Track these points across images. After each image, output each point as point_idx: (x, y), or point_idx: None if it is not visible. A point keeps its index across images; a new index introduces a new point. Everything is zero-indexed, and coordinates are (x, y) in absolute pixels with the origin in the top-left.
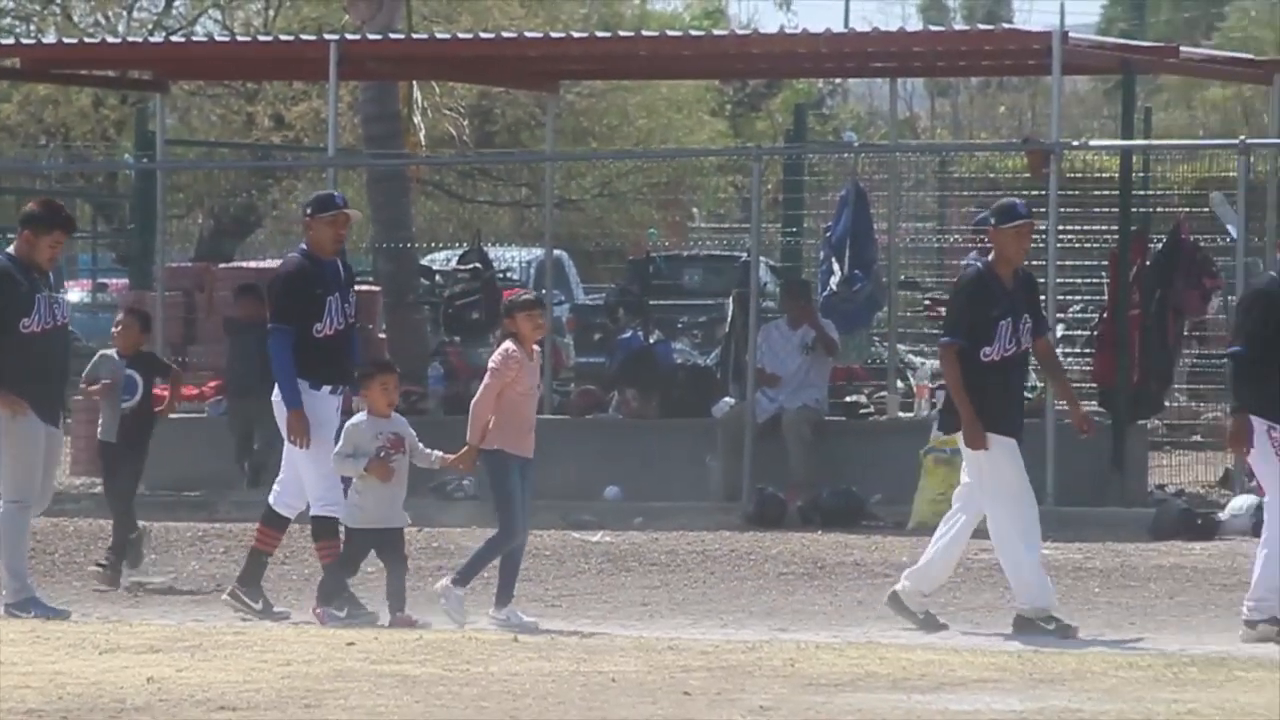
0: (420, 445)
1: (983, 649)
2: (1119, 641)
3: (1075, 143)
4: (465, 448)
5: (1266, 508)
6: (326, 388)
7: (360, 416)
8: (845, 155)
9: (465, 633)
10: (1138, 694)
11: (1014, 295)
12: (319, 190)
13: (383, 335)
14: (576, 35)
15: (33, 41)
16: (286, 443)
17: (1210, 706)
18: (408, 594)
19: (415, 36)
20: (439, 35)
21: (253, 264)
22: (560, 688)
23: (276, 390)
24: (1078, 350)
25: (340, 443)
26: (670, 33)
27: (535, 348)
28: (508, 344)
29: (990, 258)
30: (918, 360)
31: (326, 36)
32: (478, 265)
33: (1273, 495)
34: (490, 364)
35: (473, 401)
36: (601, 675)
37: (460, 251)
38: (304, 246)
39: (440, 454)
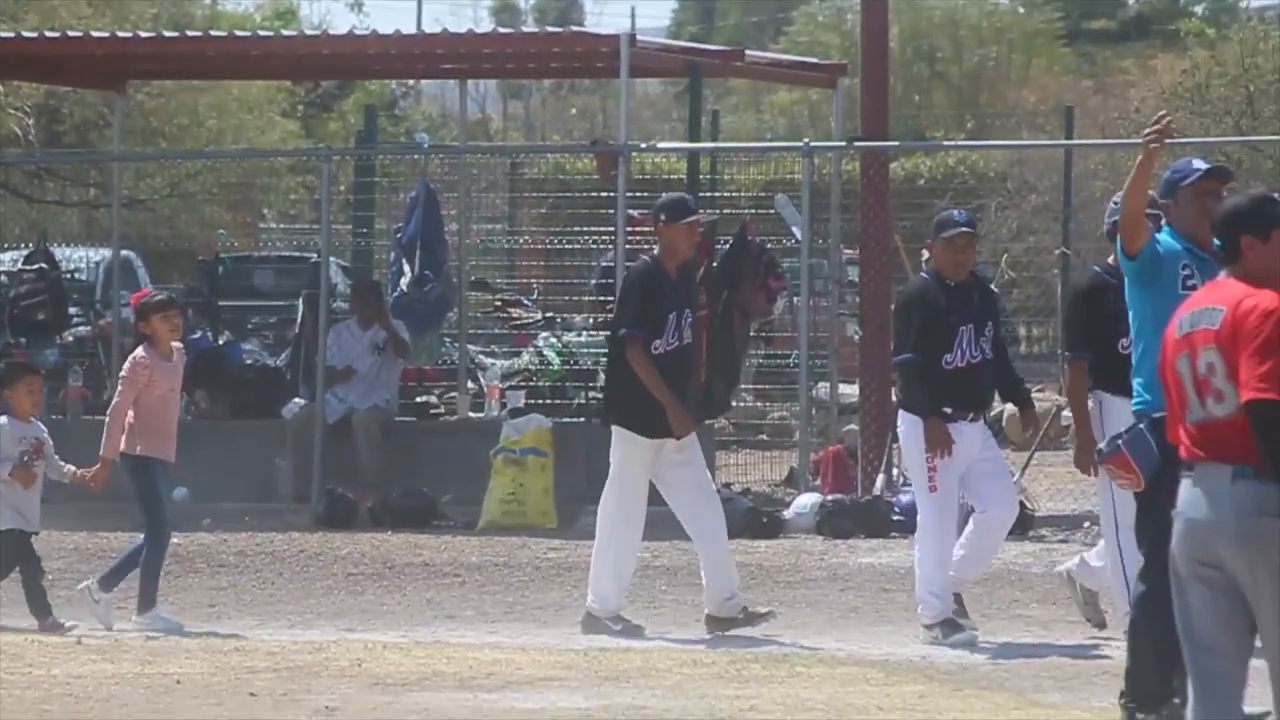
0: (55, 456)
1: (550, 647)
2: (685, 639)
3: (644, 145)
4: (99, 464)
5: (920, 513)
6: None
7: (4, 419)
8: (416, 156)
9: (28, 636)
10: (702, 691)
11: (679, 289)
12: None
13: None
14: (144, 35)
15: None
16: None
17: (772, 702)
18: None
19: None
20: (3, 34)
21: None
22: (124, 690)
23: None
24: None
25: None
26: (239, 33)
27: (176, 345)
28: (138, 350)
29: (657, 252)
30: (489, 361)
31: None
32: (43, 266)
33: (919, 499)
34: (121, 374)
35: (108, 411)
36: (166, 677)
37: (26, 252)
38: None
39: (73, 468)
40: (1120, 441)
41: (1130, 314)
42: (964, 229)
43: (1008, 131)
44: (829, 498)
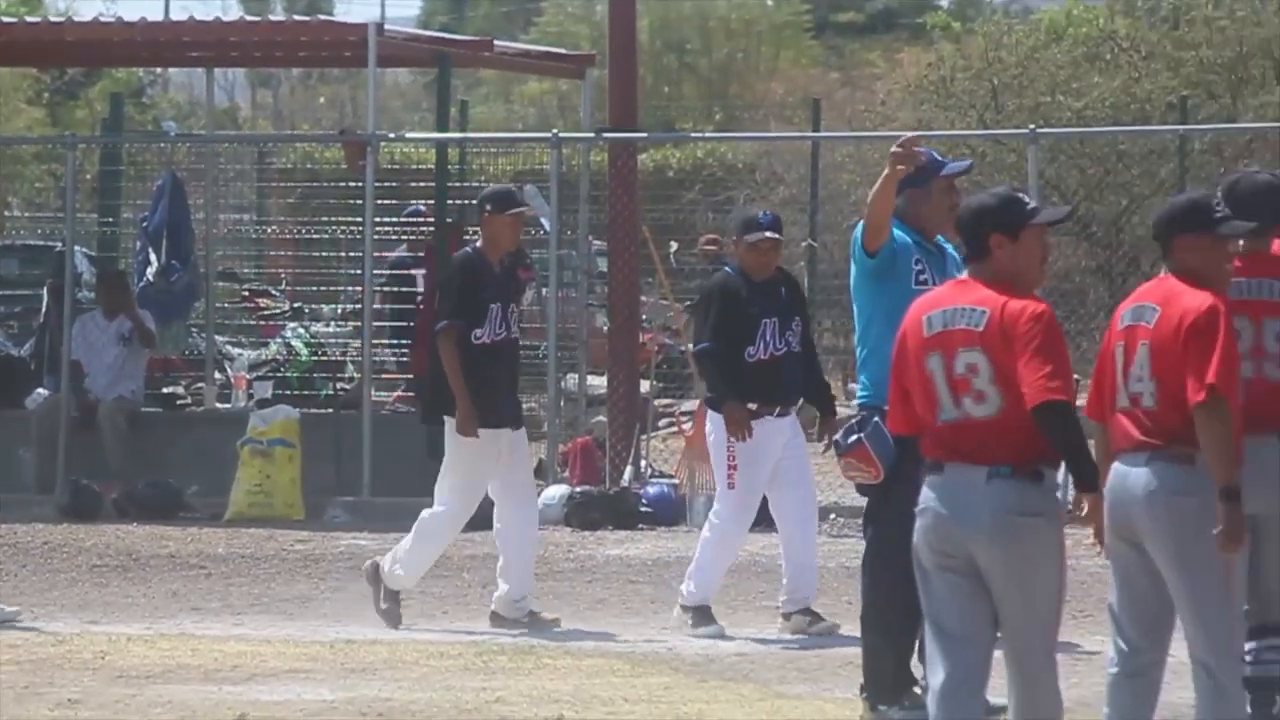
0: None
1: (296, 639)
2: (432, 630)
3: (392, 135)
4: None
5: (717, 506)
6: None
7: None
8: (163, 145)
9: None
10: (448, 682)
11: (502, 280)
12: None
13: None
14: None
15: None
16: None
17: (518, 694)
18: None
19: None
20: None
21: None
22: None
23: None
24: (392, 341)
25: None
26: None
27: None
28: None
29: (480, 243)
30: (236, 351)
31: None
32: None
33: (718, 493)
34: None
35: None
36: None
37: None
38: None
39: None
40: (862, 435)
41: (857, 309)
42: (767, 234)
43: (756, 123)
44: (577, 489)
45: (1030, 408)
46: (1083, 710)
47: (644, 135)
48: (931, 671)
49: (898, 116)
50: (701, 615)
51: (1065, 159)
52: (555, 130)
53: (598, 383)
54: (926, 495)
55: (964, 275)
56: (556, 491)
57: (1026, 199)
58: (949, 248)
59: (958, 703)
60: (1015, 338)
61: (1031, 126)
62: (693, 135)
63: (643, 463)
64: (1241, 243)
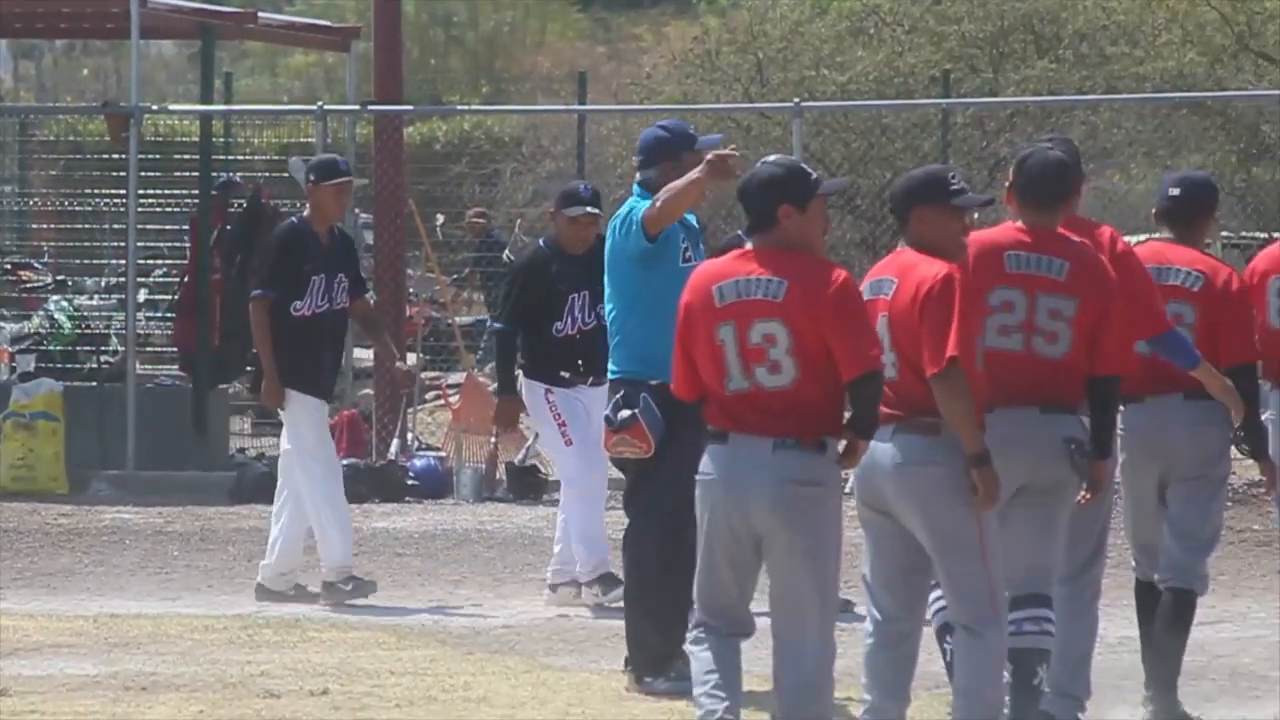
0: None
1: (59, 614)
2: (196, 605)
3: (155, 106)
4: None
5: (561, 471)
6: None
7: None
8: None
9: None
10: (212, 656)
11: (329, 252)
12: None
13: None
14: None
15: None
16: None
17: (283, 667)
18: None
19: None
20: None
21: None
22: None
23: None
24: (160, 315)
25: None
26: None
27: None
28: None
29: (306, 213)
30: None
31: None
32: None
33: (557, 458)
34: None
35: None
36: None
37: None
38: None
39: None
40: (636, 412)
41: (615, 287)
42: (588, 209)
43: (523, 97)
44: (343, 462)
45: (850, 379)
46: (846, 679)
47: (410, 108)
48: (695, 640)
49: (663, 90)
50: (607, 581)
51: (830, 133)
52: (320, 103)
53: (364, 355)
54: (709, 464)
55: (748, 245)
56: None
57: (810, 170)
58: (694, 219)
59: (728, 669)
60: (822, 307)
61: (796, 100)
62: (459, 108)
63: (409, 435)
64: (976, 215)
